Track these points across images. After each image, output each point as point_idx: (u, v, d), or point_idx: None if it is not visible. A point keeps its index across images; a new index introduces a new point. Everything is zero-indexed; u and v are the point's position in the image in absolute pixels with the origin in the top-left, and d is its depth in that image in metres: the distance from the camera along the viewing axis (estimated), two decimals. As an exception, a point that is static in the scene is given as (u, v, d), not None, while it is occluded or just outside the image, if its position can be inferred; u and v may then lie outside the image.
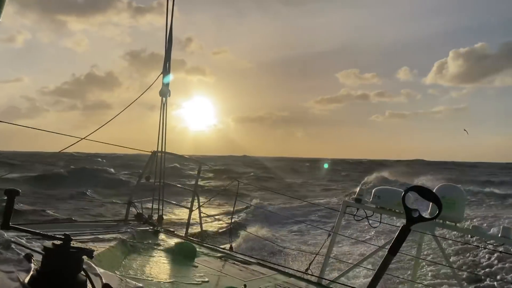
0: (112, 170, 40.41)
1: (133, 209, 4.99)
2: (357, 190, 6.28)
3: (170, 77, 4.21)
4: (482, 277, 10.39)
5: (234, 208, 7.04)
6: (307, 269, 5.47)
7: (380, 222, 6.11)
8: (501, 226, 5.40)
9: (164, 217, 5.15)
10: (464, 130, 40.14)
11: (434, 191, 5.93)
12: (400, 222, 6.92)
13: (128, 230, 3.95)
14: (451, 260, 11.35)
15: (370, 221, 6.02)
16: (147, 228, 4.51)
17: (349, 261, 10.21)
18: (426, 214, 5.77)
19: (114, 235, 3.50)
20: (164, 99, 4.31)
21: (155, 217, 4.89)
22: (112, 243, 3.22)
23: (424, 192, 2.49)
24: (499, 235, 5.24)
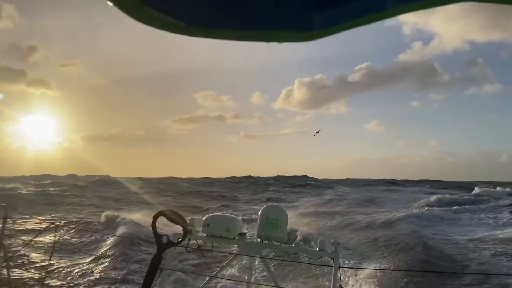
0: None
1: None
2: (188, 220, 6.17)
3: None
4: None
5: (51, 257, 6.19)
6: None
7: (212, 250, 6.09)
8: (318, 240, 5.88)
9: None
10: (317, 132, 44.83)
11: (259, 212, 6.17)
12: (231, 247, 7.04)
13: None
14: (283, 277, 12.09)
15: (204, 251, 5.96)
16: None
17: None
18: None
19: None
20: None
21: None
22: None
23: (172, 216, 2.54)
24: (317, 248, 5.67)
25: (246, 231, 6.05)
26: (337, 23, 0.84)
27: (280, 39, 0.83)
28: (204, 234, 5.91)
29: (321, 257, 5.63)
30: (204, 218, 6.05)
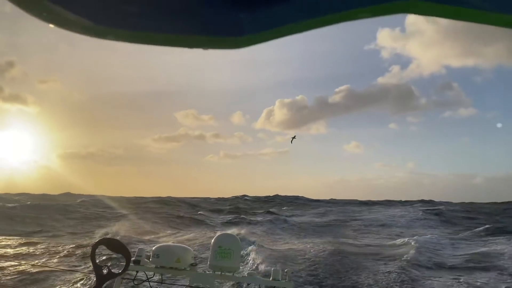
0: None
1: None
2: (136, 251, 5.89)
3: None
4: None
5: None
6: None
7: (162, 282, 5.82)
8: (272, 269, 5.78)
9: None
10: (293, 137, 44.84)
11: (212, 241, 6.01)
12: (181, 279, 6.77)
13: None
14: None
15: (153, 283, 5.69)
16: None
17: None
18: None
19: None
20: None
21: None
22: None
23: (113, 245, 2.41)
24: (271, 278, 5.57)
25: (197, 262, 5.86)
26: (268, 28, 0.74)
27: (204, 45, 0.73)
28: (153, 265, 5.66)
29: (274, 287, 5.52)
30: (153, 248, 5.80)
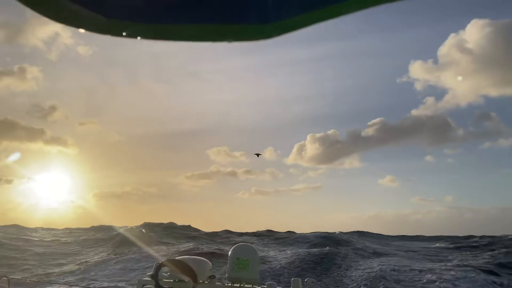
0: None
1: None
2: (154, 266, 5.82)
3: None
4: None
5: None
6: None
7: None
8: (292, 279, 5.65)
9: None
10: (258, 155, 44.22)
11: (229, 252, 5.90)
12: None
13: None
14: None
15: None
16: None
17: None
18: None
19: None
20: None
21: None
22: None
23: (177, 266, 2.32)
24: (291, 288, 5.45)
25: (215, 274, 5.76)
26: (297, 13, 0.69)
27: (229, 37, 0.66)
28: (171, 280, 5.59)
29: None
30: None
